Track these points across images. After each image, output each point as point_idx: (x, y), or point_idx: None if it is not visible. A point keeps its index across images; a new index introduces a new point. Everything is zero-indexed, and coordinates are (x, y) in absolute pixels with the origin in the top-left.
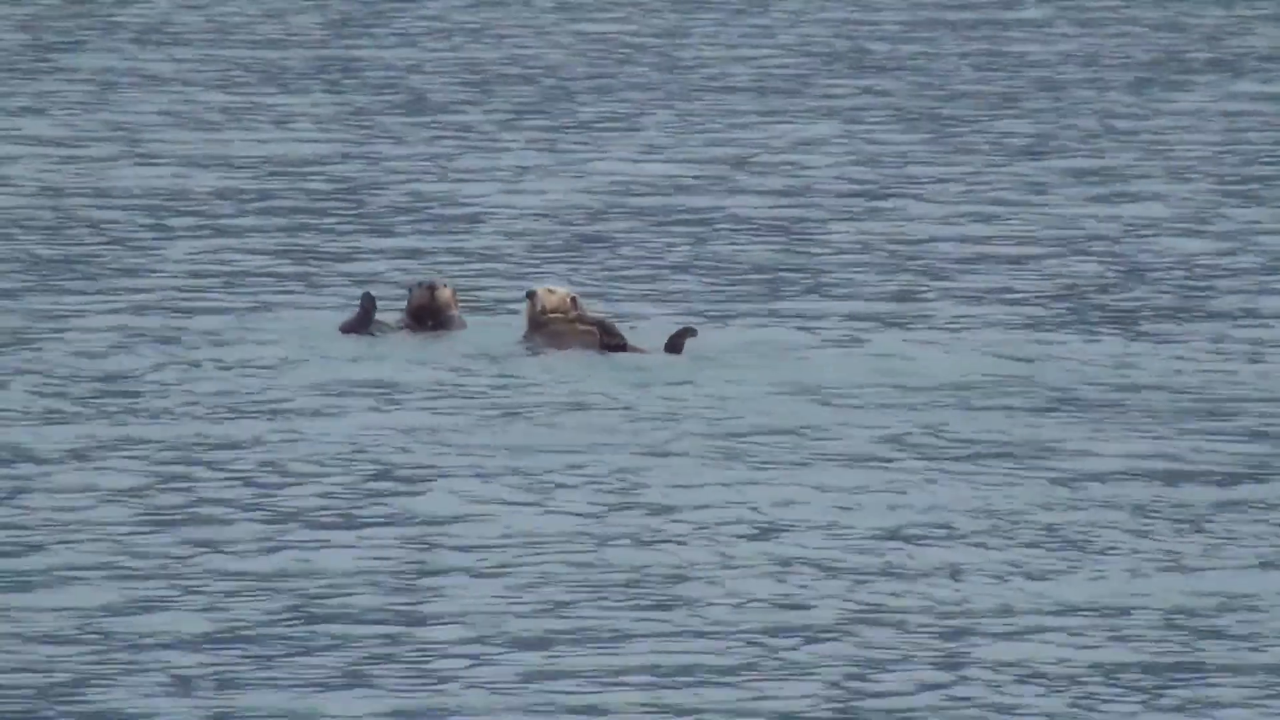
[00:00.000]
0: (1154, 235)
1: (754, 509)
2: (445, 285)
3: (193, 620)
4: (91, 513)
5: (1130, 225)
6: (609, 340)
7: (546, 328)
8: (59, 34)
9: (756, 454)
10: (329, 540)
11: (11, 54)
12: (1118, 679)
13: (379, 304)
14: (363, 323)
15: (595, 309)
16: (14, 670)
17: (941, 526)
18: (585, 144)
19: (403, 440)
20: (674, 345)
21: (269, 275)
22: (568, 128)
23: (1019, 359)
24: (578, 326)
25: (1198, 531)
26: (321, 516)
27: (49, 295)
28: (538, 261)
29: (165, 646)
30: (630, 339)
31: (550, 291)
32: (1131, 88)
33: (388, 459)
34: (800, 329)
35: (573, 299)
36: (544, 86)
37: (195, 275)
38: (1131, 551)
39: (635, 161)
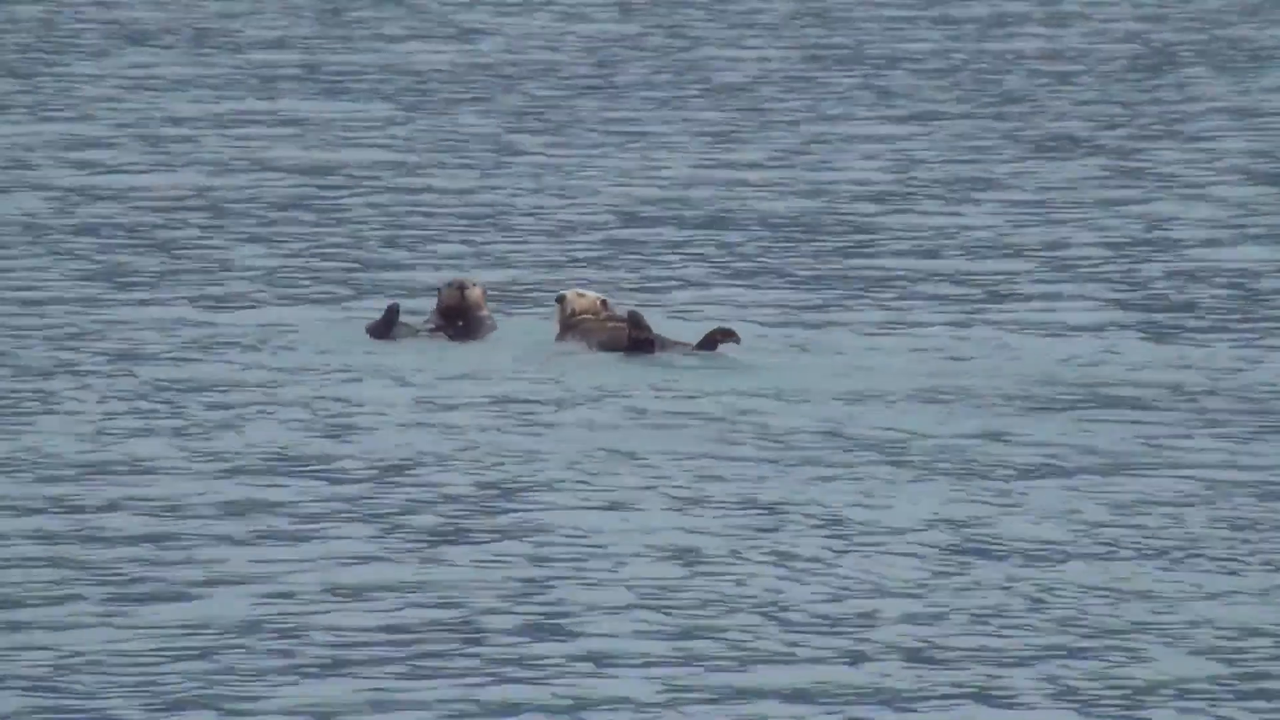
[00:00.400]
0: (1209, 235)
1: (841, 518)
2: (475, 285)
3: (303, 637)
4: (164, 524)
5: (1185, 225)
6: (637, 334)
7: (577, 329)
8: (73, 35)
9: (826, 460)
10: (439, 555)
11: (48, 54)
12: (1199, 693)
13: (407, 308)
14: (386, 326)
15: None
16: (124, 686)
17: (1031, 537)
18: (613, 145)
19: (477, 450)
20: (709, 343)
21: (298, 281)
22: (596, 130)
23: (1074, 363)
24: (607, 325)
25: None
26: (421, 529)
27: (85, 305)
28: (573, 263)
29: (277, 663)
30: (666, 333)
31: (580, 295)
32: (1171, 83)
33: (469, 469)
34: (855, 333)
35: (602, 301)
36: (564, 88)
37: (221, 281)
38: (1212, 561)
39: (669, 165)
